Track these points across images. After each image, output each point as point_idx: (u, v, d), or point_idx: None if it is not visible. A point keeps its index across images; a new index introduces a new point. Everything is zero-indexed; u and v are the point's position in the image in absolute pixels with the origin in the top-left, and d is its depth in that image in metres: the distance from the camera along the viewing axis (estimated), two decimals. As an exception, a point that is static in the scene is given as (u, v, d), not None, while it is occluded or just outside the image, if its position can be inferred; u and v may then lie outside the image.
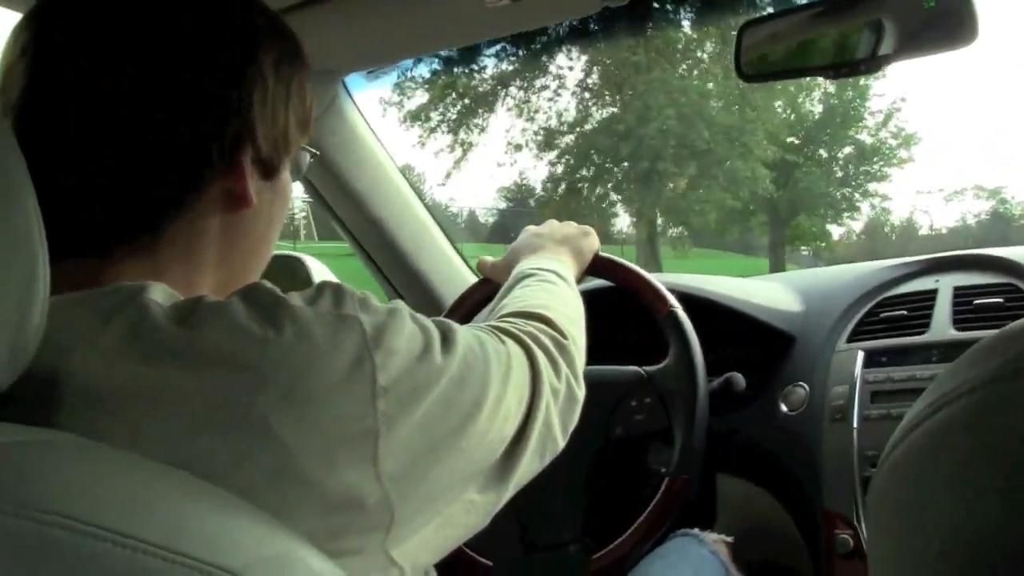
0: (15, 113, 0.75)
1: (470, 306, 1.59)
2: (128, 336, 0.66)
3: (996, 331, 0.47)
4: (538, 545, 1.46)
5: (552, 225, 1.42)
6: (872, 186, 26.36)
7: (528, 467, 0.89)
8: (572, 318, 1.07)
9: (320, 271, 1.98)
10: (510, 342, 0.90)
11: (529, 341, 0.93)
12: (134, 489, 0.56)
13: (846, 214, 27.62)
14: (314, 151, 0.95)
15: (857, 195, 26.59)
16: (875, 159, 25.91)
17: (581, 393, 0.99)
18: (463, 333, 0.82)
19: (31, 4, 0.79)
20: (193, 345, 0.66)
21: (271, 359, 0.66)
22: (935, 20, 1.11)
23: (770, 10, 1.24)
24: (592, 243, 1.41)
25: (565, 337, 1.00)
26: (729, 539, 1.51)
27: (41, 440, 0.58)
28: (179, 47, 0.75)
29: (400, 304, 0.77)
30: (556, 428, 0.93)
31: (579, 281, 1.34)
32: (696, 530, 1.50)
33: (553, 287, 1.15)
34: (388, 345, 0.72)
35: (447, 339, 0.79)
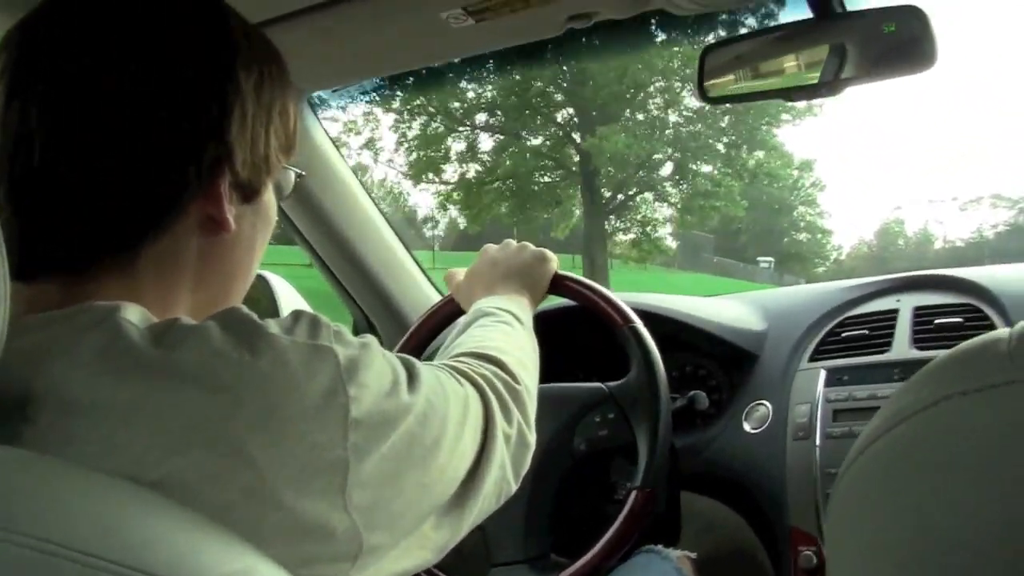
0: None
1: (434, 324, 1.59)
2: (102, 353, 0.65)
3: (951, 350, 0.48)
4: (503, 561, 1.46)
5: (508, 250, 1.41)
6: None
7: (483, 507, 0.90)
8: (525, 364, 1.07)
9: (286, 292, 1.96)
10: (467, 384, 0.91)
11: (484, 384, 0.93)
12: (95, 508, 0.56)
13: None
14: (300, 172, 0.93)
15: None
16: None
17: (532, 439, 1.00)
18: (425, 372, 0.82)
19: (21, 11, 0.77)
20: (168, 364, 0.65)
21: (247, 382, 0.66)
22: (895, 45, 1.13)
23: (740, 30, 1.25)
24: (547, 270, 1.41)
25: (518, 383, 1.00)
26: (693, 555, 1.51)
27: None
28: (155, 68, 0.74)
29: (371, 338, 0.77)
30: (508, 470, 0.94)
31: (536, 306, 1.35)
32: (660, 546, 1.50)
33: (509, 329, 1.15)
34: (361, 378, 0.72)
35: (412, 377, 0.80)
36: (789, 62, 1.22)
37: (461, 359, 1.00)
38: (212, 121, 0.76)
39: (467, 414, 0.87)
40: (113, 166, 0.73)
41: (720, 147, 23.63)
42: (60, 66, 0.73)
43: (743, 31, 1.26)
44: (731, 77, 1.27)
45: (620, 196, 23.52)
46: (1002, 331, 0.46)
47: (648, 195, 23.78)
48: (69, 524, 0.53)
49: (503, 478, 0.93)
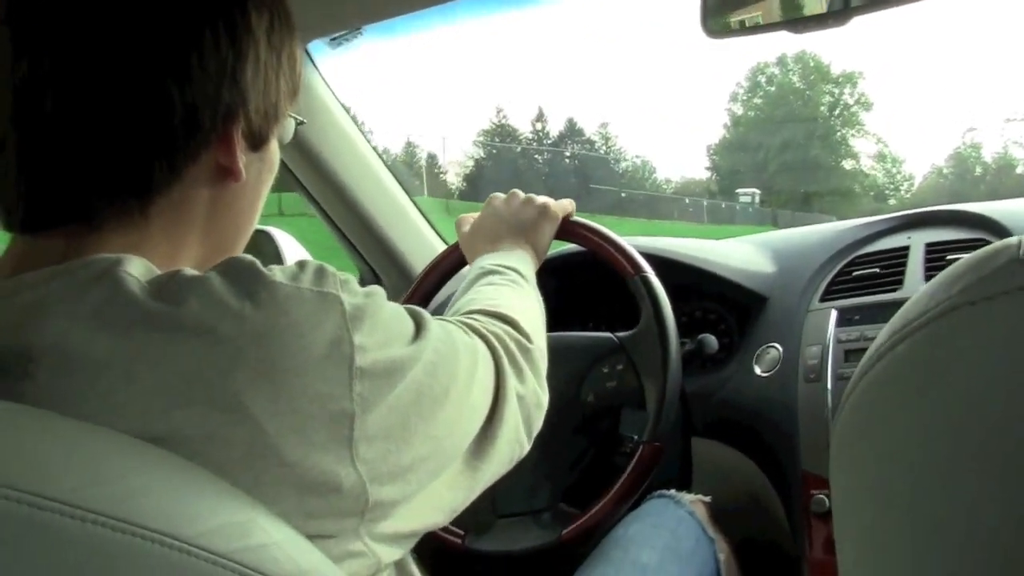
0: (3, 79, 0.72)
1: (441, 273, 1.58)
2: (102, 307, 0.65)
3: (958, 261, 0.46)
4: (510, 513, 1.46)
5: (514, 203, 1.40)
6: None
7: (496, 467, 0.90)
8: (536, 323, 1.07)
9: (289, 245, 1.95)
10: (477, 338, 0.90)
11: (495, 341, 0.93)
12: (85, 460, 0.56)
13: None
14: (300, 119, 0.93)
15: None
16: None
17: (545, 399, 1.00)
18: (433, 323, 0.82)
19: None
20: (168, 317, 0.65)
21: (248, 334, 0.65)
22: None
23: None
24: (551, 224, 1.39)
25: (531, 342, 1.00)
26: (707, 499, 1.52)
27: None
28: (170, 11, 0.73)
29: (377, 288, 0.77)
30: (522, 431, 0.94)
31: (537, 264, 1.33)
32: (672, 491, 1.50)
33: (519, 289, 1.15)
34: (366, 327, 0.71)
35: (419, 326, 0.79)
36: (794, -8, 1.19)
37: (473, 316, 0.99)
38: (227, 66, 0.75)
39: (476, 367, 0.86)
40: (127, 113, 0.72)
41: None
42: (72, 12, 0.71)
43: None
44: (734, 10, 1.24)
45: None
46: (1011, 239, 0.44)
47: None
48: (56, 476, 0.53)
49: (516, 439, 0.93)
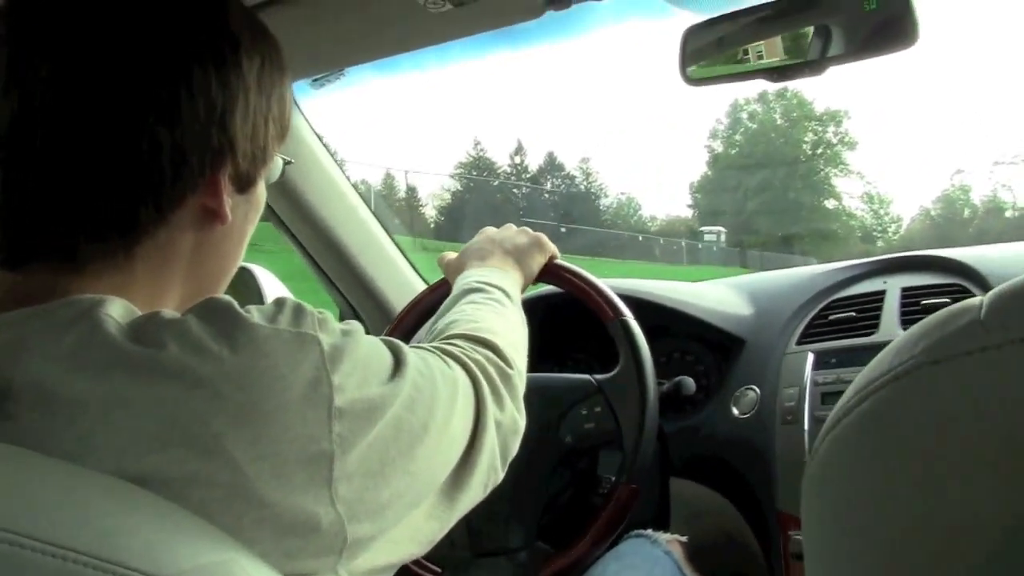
0: None
1: (421, 311, 1.58)
2: (80, 348, 0.64)
3: (922, 320, 0.47)
4: (488, 551, 1.46)
5: (508, 232, 1.41)
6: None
7: (472, 496, 0.89)
8: (517, 345, 1.07)
9: (269, 281, 1.95)
10: (457, 367, 0.90)
11: (475, 369, 0.92)
12: (67, 499, 0.56)
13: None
14: (288, 159, 0.93)
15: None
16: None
17: (522, 424, 0.99)
18: (412, 355, 0.82)
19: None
20: (147, 360, 0.64)
21: (227, 376, 0.65)
22: (878, 23, 1.12)
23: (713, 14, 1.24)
24: (542, 256, 1.41)
25: (510, 367, 0.99)
26: (683, 539, 1.52)
27: None
28: (160, 56, 0.73)
29: (355, 325, 0.77)
30: (497, 458, 0.93)
31: (524, 291, 1.34)
32: (649, 531, 1.50)
33: (501, 308, 1.14)
34: (345, 367, 0.71)
35: (398, 361, 0.79)
36: (772, 43, 1.21)
37: (453, 341, 0.99)
38: (217, 110, 0.75)
39: (456, 398, 0.86)
40: (115, 153, 0.71)
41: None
42: (64, 49, 0.71)
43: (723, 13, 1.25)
44: (713, 59, 1.26)
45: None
46: (974, 299, 0.45)
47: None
48: (37, 515, 0.52)
49: (492, 466, 0.92)
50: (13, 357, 0.64)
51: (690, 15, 1.27)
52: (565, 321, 1.83)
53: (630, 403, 1.44)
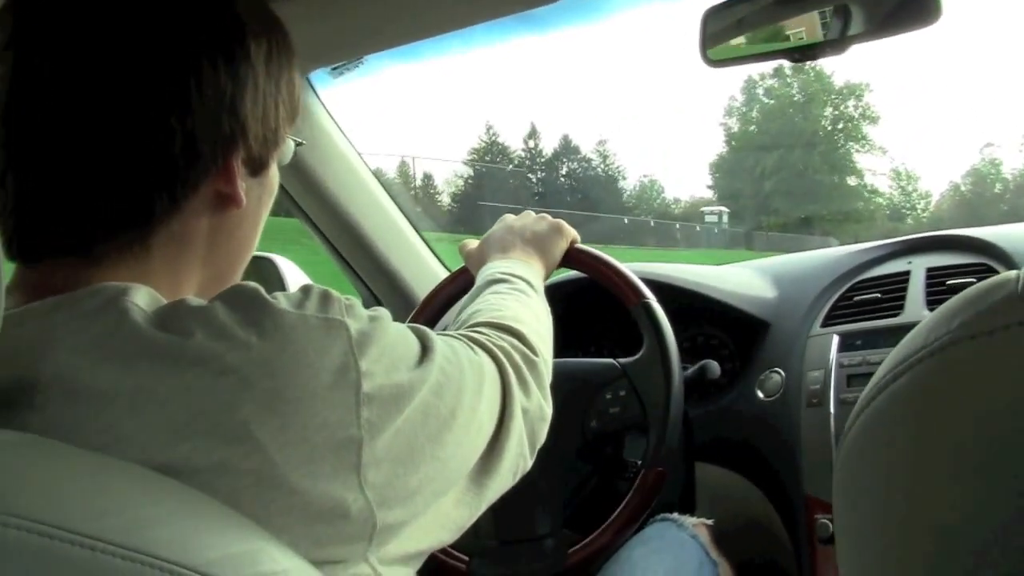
0: (1, 109, 0.72)
1: (444, 299, 1.58)
2: (108, 338, 0.64)
3: (957, 295, 0.46)
4: (515, 539, 1.46)
5: (527, 219, 1.40)
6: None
7: (500, 483, 0.89)
8: (542, 334, 1.06)
9: (292, 272, 1.96)
10: (483, 354, 0.90)
11: (501, 356, 0.92)
12: (96, 489, 0.56)
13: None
14: (299, 140, 0.93)
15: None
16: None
17: (549, 411, 0.99)
18: (439, 342, 0.81)
19: None
20: (174, 348, 0.64)
21: (255, 363, 0.65)
22: (899, 1, 1.11)
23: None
24: (563, 242, 1.40)
25: (536, 354, 0.99)
26: (709, 522, 1.51)
27: None
28: (168, 44, 0.73)
29: (382, 311, 0.77)
30: (526, 445, 0.93)
31: (548, 278, 1.33)
32: (675, 514, 1.50)
33: (525, 298, 1.14)
34: (373, 352, 0.71)
35: (425, 347, 0.79)
36: (792, 22, 1.20)
37: (478, 329, 0.99)
38: (226, 96, 0.75)
39: (483, 384, 0.86)
40: (127, 144, 0.72)
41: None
42: (71, 41, 0.71)
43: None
44: (734, 40, 1.25)
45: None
46: (1010, 273, 0.44)
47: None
48: (66, 505, 0.53)
49: (520, 453, 0.92)
50: (40, 349, 0.64)
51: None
52: (587, 307, 1.83)
53: (655, 386, 1.43)
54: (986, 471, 0.41)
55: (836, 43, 1.15)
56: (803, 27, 1.20)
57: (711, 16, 1.26)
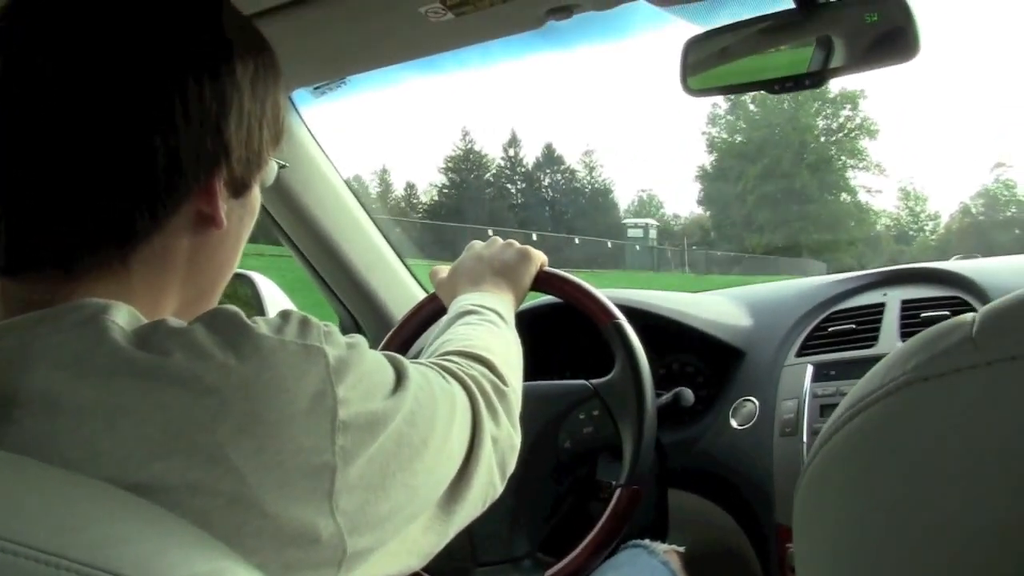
0: None
1: (419, 321, 1.58)
2: (88, 355, 0.64)
3: (914, 337, 0.47)
4: (488, 561, 1.45)
5: (494, 247, 1.40)
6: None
7: (469, 510, 0.89)
8: (512, 364, 1.07)
9: (269, 290, 1.95)
10: (454, 383, 0.90)
11: (472, 385, 0.92)
12: (60, 505, 0.55)
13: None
14: (283, 163, 0.93)
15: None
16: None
17: (518, 440, 0.99)
18: (413, 370, 0.81)
19: None
20: (153, 367, 0.64)
21: (233, 385, 0.65)
22: (879, 35, 1.12)
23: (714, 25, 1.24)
24: (531, 268, 1.40)
25: (506, 384, 0.99)
26: (680, 549, 1.52)
27: None
28: (153, 63, 0.72)
29: (359, 338, 0.77)
30: (495, 473, 0.93)
31: (519, 305, 1.34)
32: (647, 540, 1.50)
33: (496, 329, 1.14)
34: (350, 379, 0.71)
35: (400, 376, 0.79)
36: (773, 54, 1.22)
37: (450, 357, 0.99)
38: (211, 117, 0.75)
39: (454, 413, 0.86)
40: (110, 161, 0.71)
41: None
42: (57, 57, 0.71)
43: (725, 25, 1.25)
44: (715, 70, 1.26)
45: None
46: (966, 316, 0.46)
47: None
48: (32, 523, 0.52)
49: (489, 481, 0.92)
50: (19, 363, 0.64)
51: (693, 27, 1.27)
52: (558, 331, 1.83)
53: (628, 405, 1.44)
54: (935, 511, 0.42)
55: (817, 75, 1.17)
56: (785, 59, 1.21)
57: (692, 45, 1.27)
